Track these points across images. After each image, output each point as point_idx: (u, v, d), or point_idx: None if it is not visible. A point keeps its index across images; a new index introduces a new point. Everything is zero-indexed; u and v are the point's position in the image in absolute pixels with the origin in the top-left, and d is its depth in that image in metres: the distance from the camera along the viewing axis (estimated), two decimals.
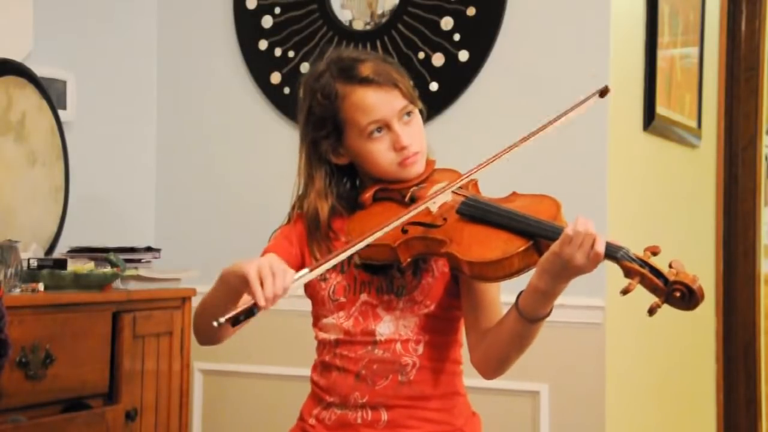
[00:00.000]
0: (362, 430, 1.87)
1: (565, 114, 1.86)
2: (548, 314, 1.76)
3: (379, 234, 1.74)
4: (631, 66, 3.13)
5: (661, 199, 3.47)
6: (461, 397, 1.95)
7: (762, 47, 4.09)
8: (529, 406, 2.94)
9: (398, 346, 1.88)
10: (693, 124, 3.69)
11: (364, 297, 1.90)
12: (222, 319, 1.62)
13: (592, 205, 2.88)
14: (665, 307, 1.60)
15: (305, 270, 1.71)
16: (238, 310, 1.64)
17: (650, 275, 1.61)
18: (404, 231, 1.79)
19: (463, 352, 1.95)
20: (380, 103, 1.87)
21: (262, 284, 1.63)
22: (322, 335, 1.93)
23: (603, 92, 1.88)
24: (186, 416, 2.91)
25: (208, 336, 1.89)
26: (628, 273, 1.63)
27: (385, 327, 1.88)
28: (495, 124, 3.01)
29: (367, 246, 1.80)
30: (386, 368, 1.87)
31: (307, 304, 2.06)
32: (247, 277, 1.64)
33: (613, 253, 1.64)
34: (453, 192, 1.83)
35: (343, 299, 1.90)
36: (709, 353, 4.05)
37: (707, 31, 3.79)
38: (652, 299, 1.61)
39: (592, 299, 2.85)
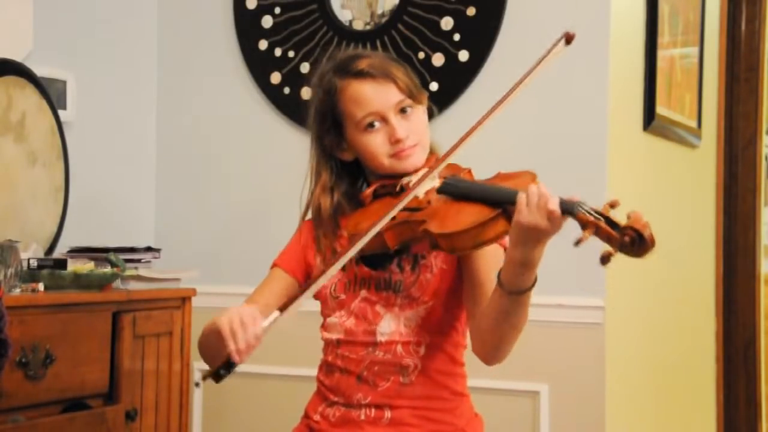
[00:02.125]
0: (366, 426, 1.88)
1: (533, 69, 1.85)
2: (532, 287, 1.73)
3: (365, 240, 1.77)
4: (631, 66, 3.13)
5: (661, 199, 3.47)
6: (464, 398, 1.95)
7: (762, 47, 4.09)
8: (529, 406, 2.94)
9: (399, 348, 1.88)
10: (693, 124, 3.69)
11: (363, 293, 1.91)
12: (202, 379, 1.72)
13: (591, 204, 2.88)
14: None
15: (275, 313, 1.73)
16: (217, 365, 1.70)
17: (604, 225, 1.61)
18: (393, 218, 1.81)
19: (467, 354, 1.94)
20: (375, 96, 1.89)
21: (234, 337, 1.67)
22: (326, 335, 1.95)
23: (568, 39, 1.86)
24: (186, 416, 2.91)
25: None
26: (584, 226, 1.63)
27: (386, 326, 1.89)
28: (495, 124, 3.00)
29: (359, 237, 1.82)
30: (387, 370, 1.88)
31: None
32: (221, 332, 1.68)
33: (569, 208, 1.64)
34: (441, 178, 1.86)
35: (343, 296, 1.92)
36: (709, 353, 4.05)
37: (707, 31, 3.79)
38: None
39: (592, 299, 2.85)
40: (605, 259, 1.58)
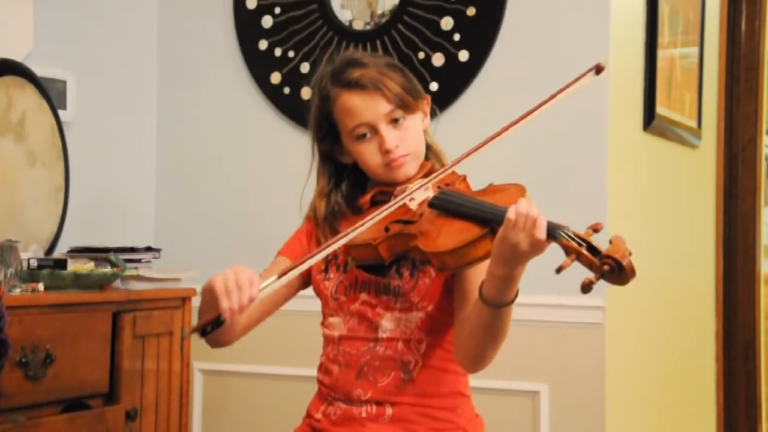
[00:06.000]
0: (367, 423, 1.89)
1: (558, 93, 1.86)
2: (513, 300, 1.73)
3: (352, 235, 1.78)
4: (631, 66, 3.13)
5: (661, 199, 3.47)
6: (465, 398, 1.96)
7: (762, 47, 4.09)
8: (529, 406, 2.94)
9: (400, 344, 1.90)
10: (693, 124, 3.69)
11: (364, 296, 1.92)
12: (189, 332, 1.68)
13: (592, 205, 2.88)
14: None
15: (272, 278, 1.73)
16: (205, 320, 1.70)
17: (586, 252, 1.59)
18: (386, 229, 1.82)
19: None
20: (363, 108, 1.91)
21: (229, 296, 1.65)
22: (327, 332, 1.97)
23: (598, 70, 1.87)
24: (186, 416, 2.91)
25: (214, 341, 1.92)
26: (567, 252, 1.62)
27: (387, 324, 1.90)
28: (495, 125, 3.00)
29: (355, 246, 1.84)
30: (388, 365, 1.89)
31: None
32: (215, 290, 1.66)
33: (553, 233, 1.63)
34: (435, 187, 1.86)
35: (343, 298, 1.94)
36: (709, 353, 4.05)
37: (707, 31, 3.79)
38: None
39: (592, 299, 2.85)
40: (586, 288, 1.56)
